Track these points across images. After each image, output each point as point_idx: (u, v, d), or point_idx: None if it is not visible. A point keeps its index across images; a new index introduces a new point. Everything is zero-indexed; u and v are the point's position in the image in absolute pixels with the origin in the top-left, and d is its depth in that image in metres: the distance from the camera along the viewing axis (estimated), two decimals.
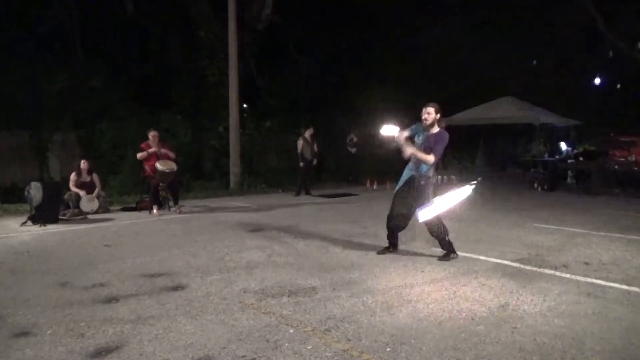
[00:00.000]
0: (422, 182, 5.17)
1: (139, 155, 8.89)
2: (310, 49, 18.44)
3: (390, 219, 5.48)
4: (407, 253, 5.66)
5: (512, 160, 19.86)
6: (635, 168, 13.45)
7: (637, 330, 3.40)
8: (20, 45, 13.88)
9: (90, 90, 15.04)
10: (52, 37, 14.88)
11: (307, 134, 11.97)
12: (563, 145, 19.30)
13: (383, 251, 5.65)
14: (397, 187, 5.46)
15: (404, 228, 5.53)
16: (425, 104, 5.24)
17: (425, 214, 5.13)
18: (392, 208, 5.44)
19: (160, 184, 8.96)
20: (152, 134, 8.99)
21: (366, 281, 4.54)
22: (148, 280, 4.59)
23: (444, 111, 5.31)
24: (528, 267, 5.04)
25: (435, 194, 5.28)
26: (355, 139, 14.72)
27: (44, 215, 7.85)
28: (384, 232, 5.69)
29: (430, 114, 5.13)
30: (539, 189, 13.14)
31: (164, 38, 17.09)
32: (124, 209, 9.51)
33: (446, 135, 5.15)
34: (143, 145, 8.95)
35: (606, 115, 19.70)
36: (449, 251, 5.39)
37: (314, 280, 4.55)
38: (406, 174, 5.38)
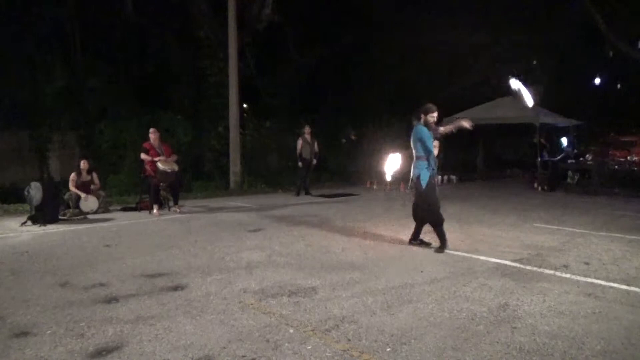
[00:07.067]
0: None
1: (143, 156, 8.88)
2: (310, 48, 18.41)
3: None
4: (407, 252, 5.66)
5: (512, 160, 19.83)
6: (635, 168, 13.43)
7: (637, 330, 3.39)
8: (19, 45, 13.88)
9: (90, 90, 15.04)
10: (51, 37, 14.87)
11: (306, 133, 11.97)
12: (564, 141, 19.07)
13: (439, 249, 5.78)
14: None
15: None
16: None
17: None
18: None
19: (161, 183, 8.96)
20: (152, 133, 9.00)
21: (366, 281, 4.54)
22: (148, 280, 4.59)
23: (445, 111, 5.50)
24: (528, 267, 5.04)
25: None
26: (352, 136, 14.72)
27: (44, 215, 7.86)
28: (384, 232, 5.68)
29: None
30: (539, 189, 13.14)
31: (164, 38, 17.07)
32: (124, 209, 9.52)
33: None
34: (146, 145, 8.94)
35: (606, 115, 19.69)
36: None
37: (314, 280, 4.55)
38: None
